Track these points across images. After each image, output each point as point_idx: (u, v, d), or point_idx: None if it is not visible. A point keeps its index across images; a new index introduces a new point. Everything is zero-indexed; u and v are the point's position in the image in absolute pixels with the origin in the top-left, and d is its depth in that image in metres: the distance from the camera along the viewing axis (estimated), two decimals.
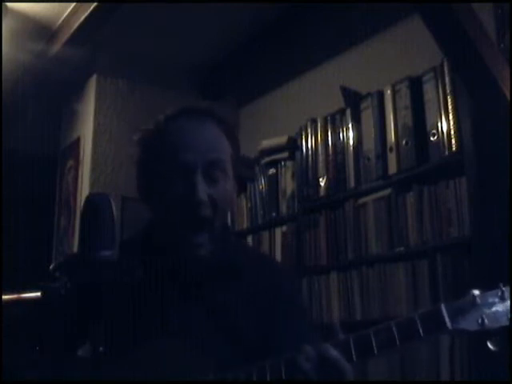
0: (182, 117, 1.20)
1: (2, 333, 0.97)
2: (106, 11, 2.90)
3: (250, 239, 3.14)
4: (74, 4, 2.99)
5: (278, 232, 2.99)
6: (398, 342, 0.97)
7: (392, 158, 2.45)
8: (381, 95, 2.55)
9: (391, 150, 2.46)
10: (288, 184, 2.98)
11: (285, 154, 3.03)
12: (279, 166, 3.06)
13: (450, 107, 2.26)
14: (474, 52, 2.01)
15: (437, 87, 2.32)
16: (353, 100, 2.71)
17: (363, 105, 2.63)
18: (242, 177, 3.12)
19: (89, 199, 0.96)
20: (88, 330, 0.92)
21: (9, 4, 2.95)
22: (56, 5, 3.00)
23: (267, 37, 3.20)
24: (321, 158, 2.79)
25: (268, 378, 0.99)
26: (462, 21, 2.00)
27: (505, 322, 0.96)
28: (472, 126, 2.16)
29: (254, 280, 1.19)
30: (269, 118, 3.57)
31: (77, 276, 0.90)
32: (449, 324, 0.97)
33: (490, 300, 0.97)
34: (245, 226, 3.20)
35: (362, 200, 2.59)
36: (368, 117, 2.59)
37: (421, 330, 0.97)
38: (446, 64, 2.29)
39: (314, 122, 2.86)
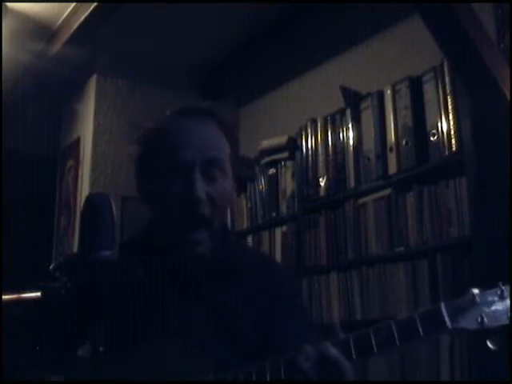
0: (182, 116, 1.21)
1: (2, 333, 0.97)
2: (106, 11, 2.90)
3: (250, 239, 3.14)
4: (74, 4, 2.99)
5: (278, 232, 2.99)
6: (397, 341, 0.97)
7: (392, 158, 2.45)
8: (381, 95, 2.55)
9: (391, 150, 2.46)
10: (288, 184, 2.98)
11: (285, 154, 3.03)
12: (279, 165, 3.06)
13: (450, 107, 2.26)
14: (474, 52, 2.01)
15: (437, 87, 2.32)
16: (353, 100, 2.71)
17: (363, 105, 2.63)
18: (242, 177, 3.12)
19: (89, 199, 0.96)
20: (88, 330, 0.92)
21: (9, 4, 2.95)
22: (56, 5, 3.00)
23: (267, 37, 3.20)
24: (321, 157, 2.79)
25: (268, 378, 0.99)
26: (462, 21, 2.00)
27: (504, 320, 0.96)
28: (472, 126, 2.16)
29: (253, 280, 1.19)
30: (269, 117, 3.57)
31: (77, 276, 0.90)
32: (448, 323, 0.97)
33: (490, 299, 0.97)
34: (245, 226, 3.21)
35: (362, 200, 2.59)
36: (368, 117, 2.59)
37: (420, 329, 0.97)
38: (446, 64, 2.29)
39: (314, 122, 2.86)
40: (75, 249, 3.28)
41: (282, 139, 3.06)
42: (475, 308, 0.97)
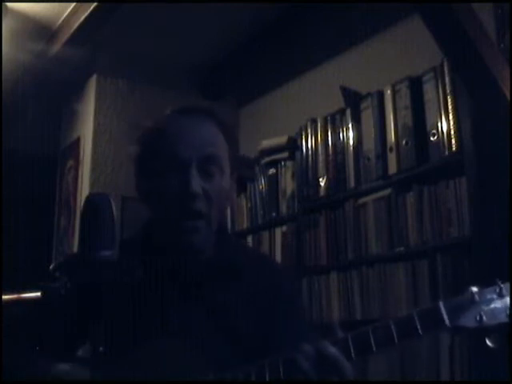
0: (181, 115, 1.21)
1: (2, 333, 0.97)
2: (106, 11, 2.90)
3: (250, 239, 3.14)
4: (74, 4, 2.99)
5: (278, 232, 2.99)
6: (396, 340, 0.97)
7: (392, 158, 2.45)
8: (381, 95, 2.55)
9: (391, 150, 2.46)
10: (288, 184, 2.98)
11: (285, 154, 3.03)
12: (279, 165, 3.06)
13: (450, 107, 2.26)
14: (474, 52, 2.01)
15: (437, 87, 2.32)
16: (353, 100, 2.71)
17: (363, 105, 2.63)
18: (242, 177, 3.12)
19: (89, 199, 0.96)
20: (88, 330, 0.92)
21: (9, 4, 2.94)
22: (56, 5, 3.00)
23: (267, 37, 3.20)
24: (321, 157, 2.79)
25: (267, 378, 0.99)
26: (462, 21, 2.00)
27: (503, 318, 0.96)
28: (472, 126, 2.16)
29: (253, 280, 1.19)
30: (269, 117, 3.57)
31: (77, 276, 0.90)
32: (447, 321, 0.97)
33: (488, 297, 0.98)
34: (245, 226, 3.21)
35: (362, 200, 2.59)
36: (368, 117, 2.59)
37: (419, 328, 0.97)
38: (446, 64, 2.29)
39: (314, 122, 2.86)
40: (75, 249, 3.28)
41: (281, 139, 3.06)
42: (474, 306, 0.97)
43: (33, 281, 0.91)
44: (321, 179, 2.78)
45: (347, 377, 0.98)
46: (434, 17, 2.07)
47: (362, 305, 2.48)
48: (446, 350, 2.10)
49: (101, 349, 0.91)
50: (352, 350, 0.98)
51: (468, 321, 0.97)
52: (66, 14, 3.07)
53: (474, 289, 0.98)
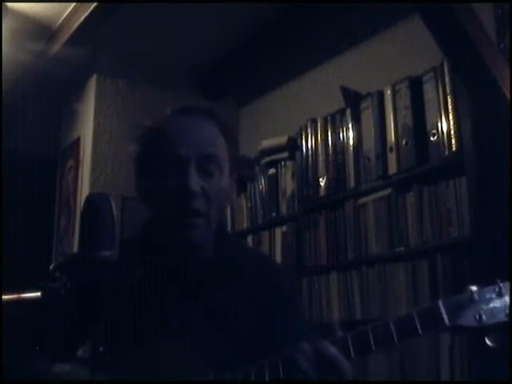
0: (181, 115, 1.21)
1: (2, 333, 0.97)
2: (106, 11, 2.90)
3: (250, 239, 3.14)
4: (74, 4, 2.99)
5: (278, 232, 2.99)
6: (396, 339, 0.97)
7: (392, 158, 2.45)
8: (381, 95, 2.55)
9: (391, 150, 2.46)
10: (288, 184, 2.98)
11: (285, 154, 3.03)
12: (279, 165, 3.06)
13: (450, 107, 2.26)
14: (474, 52, 2.01)
15: (437, 87, 2.32)
16: (353, 100, 2.71)
17: (363, 105, 2.63)
18: (242, 177, 3.12)
19: (89, 199, 0.96)
20: (88, 330, 0.92)
21: (9, 4, 2.94)
22: (56, 5, 3.00)
23: (267, 37, 3.20)
24: (321, 157, 2.79)
25: (267, 378, 0.99)
26: (462, 21, 2.00)
27: (502, 317, 0.96)
28: (472, 126, 2.16)
29: (253, 280, 1.19)
30: (269, 118, 3.57)
31: (77, 276, 0.90)
32: (446, 320, 0.97)
33: (488, 296, 0.98)
34: (245, 226, 3.21)
35: (362, 200, 2.59)
36: (368, 117, 2.59)
37: (419, 327, 0.97)
38: (446, 64, 2.29)
39: (314, 122, 2.86)
40: (75, 249, 3.28)
41: (281, 139, 3.06)
42: (473, 305, 0.97)
43: (33, 281, 0.91)
44: (321, 179, 2.78)
45: (347, 376, 0.98)
46: (434, 17, 2.07)
47: (362, 305, 2.48)
48: (446, 350, 2.10)
49: (101, 349, 0.91)
50: (351, 350, 0.98)
51: (467, 320, 0.97)
52: (66, 14, 3.07)
53: (474, 288, 0.98)
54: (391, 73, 2.59)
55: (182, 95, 3.39)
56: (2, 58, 3.10)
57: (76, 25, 3.00)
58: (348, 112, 2.70)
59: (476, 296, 0.97)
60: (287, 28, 3.10)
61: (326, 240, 2.70)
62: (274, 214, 3.03)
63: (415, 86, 2.42)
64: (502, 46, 2.19)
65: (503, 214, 1.98)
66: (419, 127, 2.37)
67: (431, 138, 2.32)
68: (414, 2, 2.16)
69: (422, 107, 2.37)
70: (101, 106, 3.47)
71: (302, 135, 2.90)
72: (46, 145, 3.70)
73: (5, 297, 0.94)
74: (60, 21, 3.13)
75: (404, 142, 2.41)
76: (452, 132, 2.24)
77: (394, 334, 0.97)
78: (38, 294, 0.91)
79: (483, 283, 0.99)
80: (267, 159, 3.13)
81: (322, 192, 2.77)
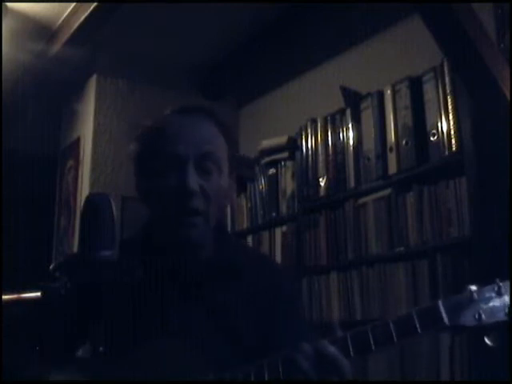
0: (180, 114, 1.21)
1: (2, 333, 0.97)
2: (106, 11, 2.90)
3: (250, 239, 3.15)
4: (74, 4, 2.99)
5: (278, 232, 2.99)
6: (395, 339, 0.97)
7: (392, 158, 2.45)
8: (381, 95, 2.55)
9: (391, 150, 2.46)
10: (288, 184, 2.98)
11: (285, 154, 3.03)
12: (279, 165, 3.06)
13: (450, 107, 2.26)
14: (474, 52, 2.01)
15: (437, 87, 2.32)
16: (353, 100, 2.71)
17: (363, 105, 2.63)
18: (242, 177, 3.12)
19: (89, 199, 0.96)
20: (88, 330, 0.92)
21: (9, 4, 2.94)
22: (56, 5, 3.00)
23: (267, 37, 3.20)
24: (321, 157, 2.79)
25: (266, 378, 0.99)
26: (462, 21, 2.00)
27: (502, 317, 0.96)
28: (472, 126, 2.16)
29: (253, 280, 1.19)
30: (269, 118, 3.58)
31: (77, 276, 0.90)
32: (446, 320, 0.97)
33: (487, 295, 0.97)
34: (245, 226, 3.21)
35: (362, 200, 2.59)
36: (368, 117, 2.59)
37: (418, 326, 0.97)
38: (446, 64, 2.29)
39: (314, 122, 2.86)
40: (75, 249, 3.28)
41: (281, 139, 3.06)
42: (473, 305, 0.97)
43: (33, 281, 0.91)
44: (321, 179, 2.78)
45: (346, 376, 0.98)
46: (434, 17, 2.07)
47: (362, 305, 2.48)
48: (446, 350, 2.10)
49: (101, 349, 0.91)
50: (351, 349, 0.98)
51: (467, 319, 0.97)
52: (66, 14, 3.07)
53: (473, 287, 0.98)
54: (391, 73, 2.59)
55: (182, 95, 3.39)
56: (2, 58, 3.10)
57: (76, 25, 3.00)
58: (348, 112, 2.70)
59: (475, 295, 0.97)
60: (287, 28, 3.10)
61: (326, 240, 2.70)
62: (274, 214, 3.03)
63: (415, 86, 2.42)
64: (502, 46, 2.19)
65: (503, 213, 1.98)
66: (419, 127, 2.37)
67: (431, 138, 2.32)
68: (413, 2, 2.16)
69: (422, 107, 2.37)
70: (101, 106, 3.47)
71: (302, 135, 2.90)
72: (46, 145, 3.70)
73: (5, 297, 0.94)
74: (60, 21, 3.13)
75: (404, 142, 2.41)
76: (452, 132, 2.24)
77: (394, 334, 0.97)
78: (38, 294, 0.91)
79: (483, 283, 0.99)
80: (267, 159, 3.13)
81: (322, 192, 2.77)
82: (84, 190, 3.40)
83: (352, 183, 2.63)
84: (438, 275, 2.20)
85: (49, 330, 1.05)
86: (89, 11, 2.88)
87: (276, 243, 2.98)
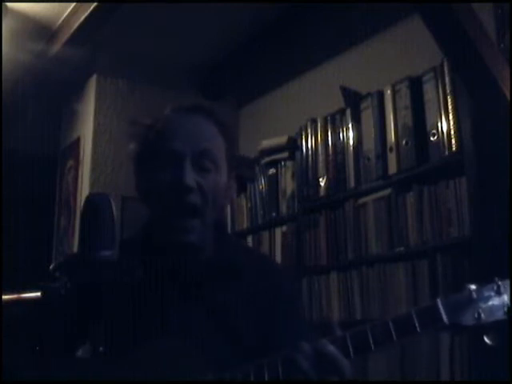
0: (180, 113, 1.22)
1: (2, 333, 0.97)
2: (106, 11, 2.90)
3: (250, 239, 3.14)
4: (74, 4, 2.99)
5: (278, 232, 2.99)
6: (395, 338, 0.97)
7: (392, 158, 2.45)
8: (381, 95, 2.55)
9: (391, 150, 2.46)
10: (288, 184, 2.98)
11: (285, 154, 3.03)
12: (279, 165, 3.06)
13: (450, 107, 2.26)
14: (474, 52, 2.01)
15: (437, 87, 2.32)
16: (353, 100, 2.71)
17: (363, 105, 2.63)
18: (242, 177, 3.12)
19: (89, 199, 0.96)
20: (88, 330, 0.92)
21: (9, 4, 2.94)
22: (56, 5, 3.00)
23: (267, 37, 3.20)
24: (321, 157, 2.79)
25: (266, 378, 0.99)
26: (462, 21, 2.00)
27: (501, 316, 0.96)
28: (472, 126, 2.16)
29: (253, 280, 1.19)
30: (269, 118, 3.57)
31: (77, 276, 0.90)
32: (445, 319, 0.97)
33: (486, 294, 0.98)
34: (245, 226, 3.21)
35: (362, 200, 2.59)
36: (368, 117, 2.59)
37: (417, 325, 0.97)
38: (446, 64, 2.29)
39: (314, 122, 2.86)
40: (75, 249, 3.28)
41: (281, 139, 3.06)
42: (472, 303, 0.97)
43: (33, 281, 0.91)
44: (321, 179, 2.78)
45: (346, 376, 0.98)
46: (434, 17, 2.07)
47: (362, 305, 2.48)
48: (446, 350, 2.10)
49: (101, 349, 0.91)
50: (350, 349, 0.98)
51: (466, 318, 0.97)
52: (66, 14, 3.07)
53: (472, 286, 0.98)
54: (391, 73, 2.59)
55: (182, 95, 3.39)
56: (2, 58, 3.10)
57: (76, 25, 3.00)
58: (348, 112, 2.70)
59: (474, 294, 0.97)
60: (287, 28, 3.10)
61: (326, 240, 2.70)
62: (274, 214, 3.03)
63: (415, 86, 2.42)
64: (502, 46, 2.19)
65: (503, 213, 1.98)
66: (419, 127, 2.37)
67: (431, 138, 2.32)
68: (414, 2, 2.16)
69: (422, 107, 2.37)
70: (101, 106, 3.47)
71: (302, 135, 2.90)
72: (46, 145, 3.70)
73: (5, 297, 0.94)
74: (60, 21, 3.13)
75: (404, 142, 2.41)
76: (452, 132, 2.24)
77: (393, 333, 0.97)
78: (38, 294, 0.91)
79: (483, 283, 0.99)
80: (267, 159, 3.12)
81: (322, 192, 2.77)
82: (84, 190, 3.40)
83: (352, 183, 2.63)
84: (438, 275, 2.20)
85: (49, 330, 1.05)
86: (89, 11, 2.88)
87: (276, 243, 2.98)
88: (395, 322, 0.98)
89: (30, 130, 3.55)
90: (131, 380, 1.00)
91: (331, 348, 0.98)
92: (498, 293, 0.97)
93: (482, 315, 0.96)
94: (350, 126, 2.67)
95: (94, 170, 3.39)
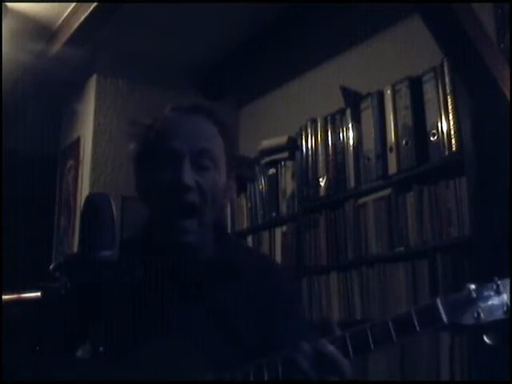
0: (179, 113, 1.22)
1: (2, 333, 0.97)
2: (106, 11, 2.90)
3: (250, 239, 3.15)
4: (74, 4, 2.99)
5: (278, 232, 2.99)
6: (394, 337, 0.97)
7: (392, 158, 2.45)
8: (381, 95, 2.55)
9: (391, 150, 2.46)
10: (288, 184, 2.98)
11: (285, 154, 3.03)
12: (279, 165, 3.06)
13: (450, 107, 2.26)
14: (474, 52, 2.01)
15: (437, 87, 2.32)
16: (353, 100, 2.71)
17: (363, 105, 2.63)
18: (242, 177, 3.12)
19: (89, 199, 0.96)
20: (88, 330, 0.92)
21: (9, 4, 2.94)
22: (56, 5, 3.00)
23: (267, 37, 3.20)
24: (321, 157, 2.79)
25: (266, 378, 0.99)
26: (462, 21, 2.00)
27: (500, 315, 0.96)
28: (472, 126, 2.16)
29: (253, 280, 1.19)
30: (269, 118, 3.58)
31: (77, 276, 0.90)
32: (444, 318, 0.97)
33: (486, 294, 0.97)
34: (245, 226, 3.21)
35: (362, 200, 2.59)
36: (368, 117, 2.59)
37: (417, 325, 0.97)
38: (446, 64, 2.29)
39: (314, 122, 2.86)
40: (75, 249, 3.28)
41: (281, 139, 3.06)
42: (471, 303, 0.97)
43: (33, 281, 0.91)
44: (321, 179, 2.78)
45: (346, 376, 0.98)
46: (434, 17, 2.07)
47: (362, 305, 2.48)
48: (446, 350, 2.10)
49: (101, 349, 0.91)
50: (350, 348, 0.98)
51: (465, 318, 0.97)
52: (66, 14, 3.07)
53: (472, 286, 0.98)
54: (391, 73, 2.59)
55: (182, 95, 3.38)
56: (2, 58, 3.10)
57: (76, 25, 3.00)
58: (348, 112, 2.70)
59: (474, 294, 0.97)
60: (287, 28, 3.10)
61: (326, 240, 2.70)
62: (274, 214, 3.03)
63: (415, 86, 2.42)
64: (502, 46, 2.19)
65: (503, 213, 1.98)
66: (419, 127, 2.37)
67: (431, 138, 2.32)
68: (414, 2, 2.16)
69: (422, 107, 2.37)
70: (101, 106, 3.47)
71: (302, 135, 2.90)
72: (46, 145, 3.70)
73: (5, 297, 0.94)
74: (60, 21, 3.13)
75: (404, 142, 2.41)
76: (452, 132, 2.24)
77: (393, 332, 0.97)
78: (38, 294, 0.91)
79: (482, 282, 0.99)
80: (267, 159, 3.12)
81: (322, 192, 2.77)
82: (84, 190, 3.40)
83: (352, 183, 2.63)
84: (438, 275, 2.20)
85: (49, 330, 1.05)
86: (89, 11, 2.88)
87: (276, 243, 2.98)
88: (395, 321, 0.98)
89: (30, 129, 3.55)
90: (131, 380, 1.00)
91: (331, 348, 0.98)
92: (498, 292, 0.97)
93: (482, 315, 0.96)
94: (350, 125, 2.67)
95: (94, 170, 3.39)
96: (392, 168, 2.45)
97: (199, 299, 1.13)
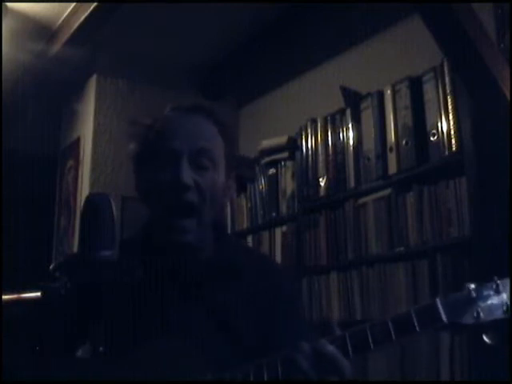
0: (179, 113, 1.22)
1: (2, 333, 0.97)
2: (106, 11, 2.90)
3: (250, 239, 3.14)
4: (74, 4, 2.99)
5: (278, 232, 2.99)
6: (394, 337, 0.97)
7: (392, 158, 2.45)
8: (381, 95, 2.55)
9: (391, 150, 2.46)
10: (288, 184, 2.98)
11: (285, 154, 3.03)
12: (279, 165, 3.06)
13: (450, 107, 2.26)
14: (474, 52, 2.01)
15: (437, 87, 2.32)
16: (353, 100, 2.71)
17: (363, 105, 2.63)
18: (242, 177, 3.12)
19: (89, 199, 0.96)
20: (88, 330, 0.92)
21: (9, 4, 2.94)
22: (56, 5, 3.00)
23: (267, 37, 3.20)
24: (321, 157, 2.79)
25: (265, 378, 0.99)
26: (462, 21, 2.00)
27: (500, 315, 0.96)
28: (472, 126, 2.16)
29: (253, 280, 1.19)
30: (269, 118, 3.58)
31: (77, 276, 0.90)
32: (444, 318, 0.97)
33: (485, 293, 0.98)
34: (245, 226, 3.21)
35: (362, 200, 2.59)
36: (368, 117, 2.59)
37: (416, 324, 0.97)
38: (446, 64, 2.29)
39: (314, 122, 2.86)
40: (75, 249, 3.28)
41: (281, 139, 3.06)
42: (471, 302, 0.97)
43: (33, 281, 0.91)
44: (321, 179, 2.78)
45: (346, 375, 0.98)
46: (434, 17, 2.07)
47: (362, 305, 2.48)
48: (445, 350, 2.10)
49: (101, 349, 0.91)
50: (350, 348, 0.98)
51: (465, 317, 0.97)
52: (66, 14, 3.07)
53: (471, 285, 0.98)
54: (391, 73, 2.59)
55: (182, 95, 3.38)
56: (2, 58, 3.10)
57: (76, 25, 3.00)
58: (348, 112, 2.70)
59: (474, 293, 0.98)
60: (287, 28, 3.10)
61: (326, 240, 2.70)
62: (274, 214, 3.03)
63: (415, 86, 2.42)
64: (502, 46, 2.19)
65: (503, 213, 1.98)
66: (419, 127, 2.37)
67: (431, 138, 2.32)
68: (414, 2, 2.16)
69: (422, 107, 2.37)
70: (101, 106, 3.47)
71: (302, 135, 2.90)
72: (46, 145, 3.70)
73: (5, 297, 0.94)
74: (60, 21, 3.13)
75: (404, 142, 2.41)
76: (452, 132, 2.24)
77: (392, 332, 0.97)
78: (38, 294, 0.91)
79: (482, 282, 1.00)
80: (267, 159, 3.13)
81: (322, 192, 2.77)
82: (84, 190, 3.40)
83: (352, 183, 2.63)
84: (438, 275, 2.20)
85: (49, 330, 1.05)
86: (89, 11, 2.88)
87: (276, 243, 2.98)
88: (394, 321, 0.98)
89: (30, 129, 3.55)
90: (131, 380, 1.00)
91: (331, 348, 0.98)
92: (497, 292, 0.97)
93: (481, 314, 0.96)
94: (350, 125, 2.67)
95: (94, 170, 3.39)
96: (392, 168, 2.45)
97: (199, 299, 1.13)
